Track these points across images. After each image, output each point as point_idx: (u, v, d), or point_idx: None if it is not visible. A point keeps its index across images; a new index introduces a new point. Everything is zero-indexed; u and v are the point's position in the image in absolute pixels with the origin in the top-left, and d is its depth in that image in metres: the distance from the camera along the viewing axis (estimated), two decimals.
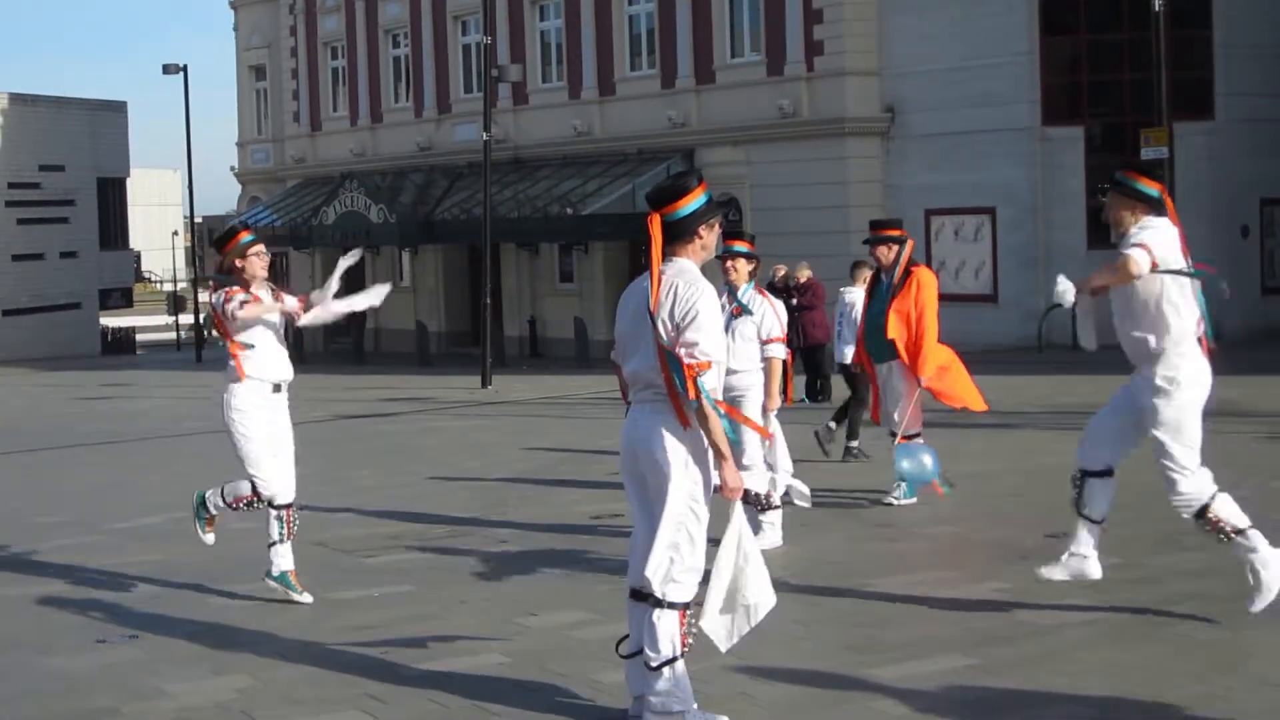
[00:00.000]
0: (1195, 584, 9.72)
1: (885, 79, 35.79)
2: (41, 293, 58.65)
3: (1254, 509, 12.35)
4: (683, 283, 6.90)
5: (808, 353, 24.14)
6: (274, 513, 10.13)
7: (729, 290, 11.70)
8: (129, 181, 66.98)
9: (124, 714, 7.67)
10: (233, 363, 10.04)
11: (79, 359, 53.93)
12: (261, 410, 10.04)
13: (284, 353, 10.26)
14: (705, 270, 7.11)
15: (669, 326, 6.85)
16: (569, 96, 42.59)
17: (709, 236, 7.07)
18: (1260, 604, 8.47)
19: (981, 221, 34.59)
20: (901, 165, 35.60)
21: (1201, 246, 32.34)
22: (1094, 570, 8.95)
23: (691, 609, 6.95)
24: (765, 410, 11.54)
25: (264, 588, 10.29)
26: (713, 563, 6.92)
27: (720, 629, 7.02)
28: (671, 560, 6.87)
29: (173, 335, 70.49)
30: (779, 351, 11.62)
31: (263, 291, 10.07)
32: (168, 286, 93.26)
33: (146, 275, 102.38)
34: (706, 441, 6.85)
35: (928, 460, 12.45)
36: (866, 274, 16.53)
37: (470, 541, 12.26)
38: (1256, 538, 8.58)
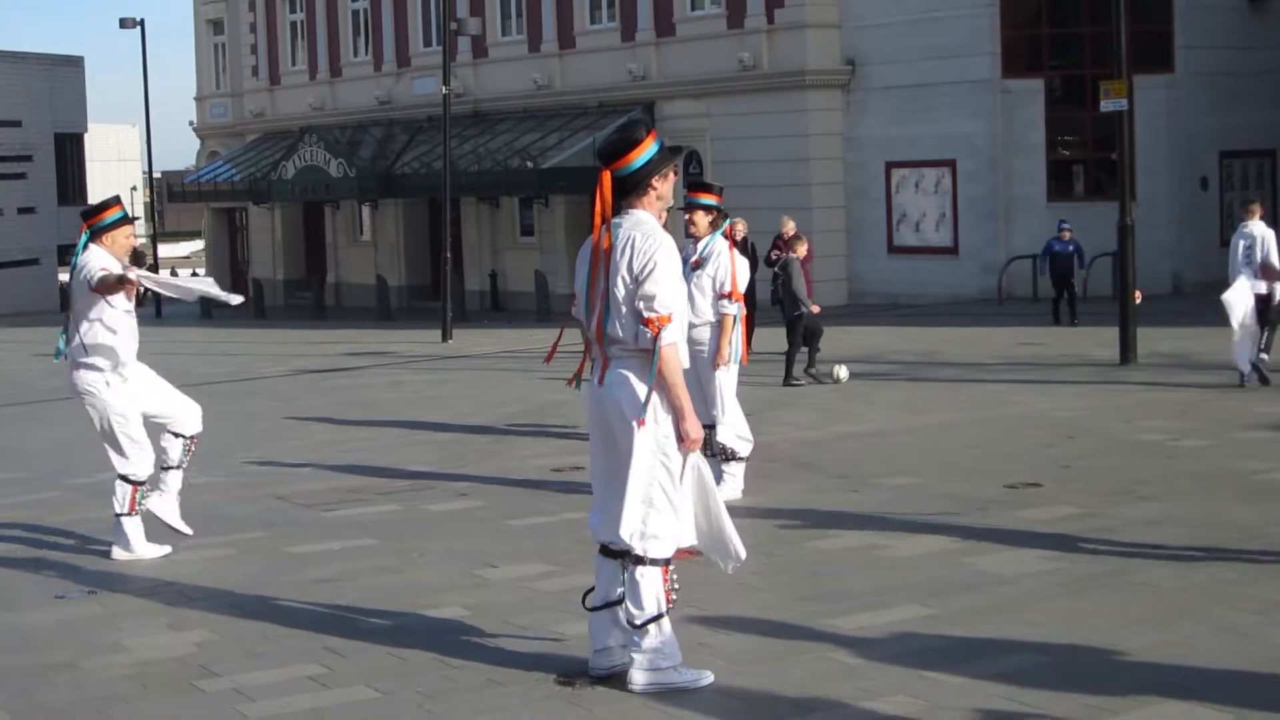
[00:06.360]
0: (1153, 533, 9.78)
1: (846, 31, 35.69)
2: None
3: (1215, 459, 12.51)
4: (640, 235, 6.82)
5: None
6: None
7: (691, 241, 11.67)
8: (87, 137, 66.38)
9: (82, 668, 7.64)
10: None
11: (37, 315, 53.55)
12: None
13: None
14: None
15: (627, 280, 6.78)
16: (529, 49, 42.35)
17: (663, 187, 6.97)
18: None
19: (942, 174, 34.58)
20: (862, 118, 35.55)
21: (1161, 199, 32.70)
22: None
23: (674, 564, 6.93)
24: (715, 366, 11.46)
25: (223, 543, 10.27)
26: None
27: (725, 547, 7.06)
28: (647, 515, 6.82)
29: None
30: (731, 308, 11.53)
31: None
32: None
33: None
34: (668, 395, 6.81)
35: None
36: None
37: (430, 495, 12.25)
38: None
